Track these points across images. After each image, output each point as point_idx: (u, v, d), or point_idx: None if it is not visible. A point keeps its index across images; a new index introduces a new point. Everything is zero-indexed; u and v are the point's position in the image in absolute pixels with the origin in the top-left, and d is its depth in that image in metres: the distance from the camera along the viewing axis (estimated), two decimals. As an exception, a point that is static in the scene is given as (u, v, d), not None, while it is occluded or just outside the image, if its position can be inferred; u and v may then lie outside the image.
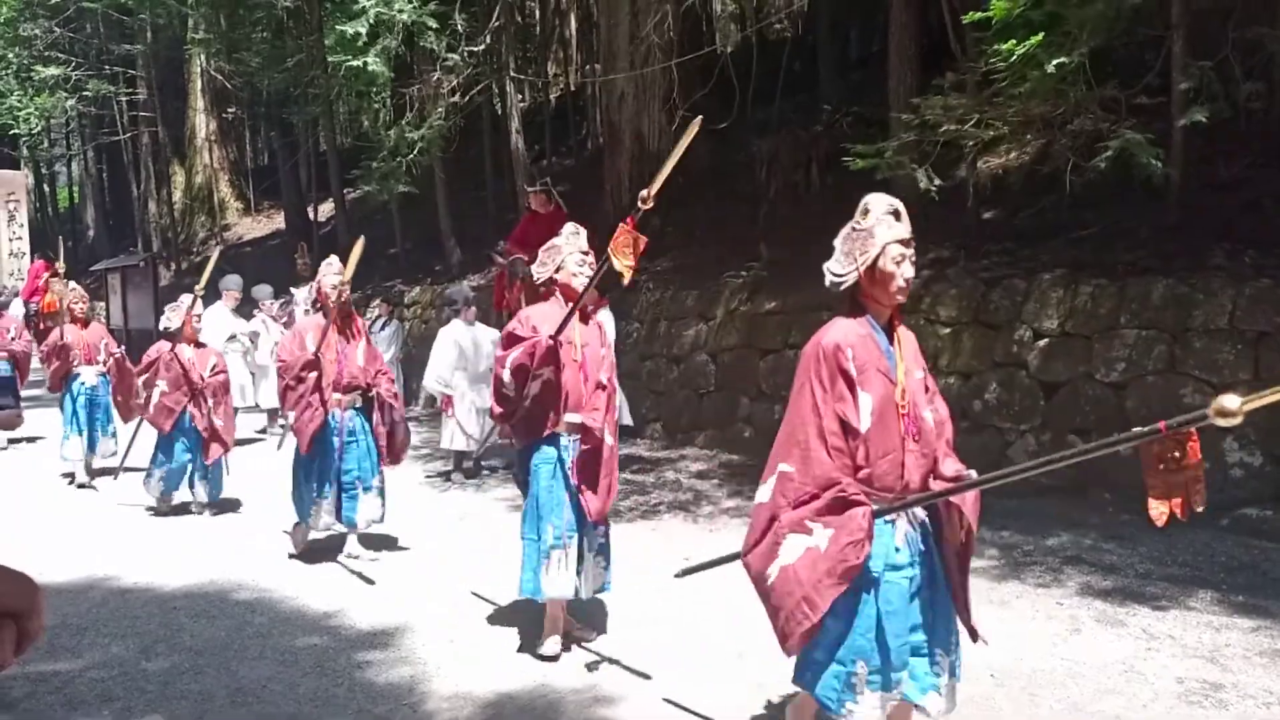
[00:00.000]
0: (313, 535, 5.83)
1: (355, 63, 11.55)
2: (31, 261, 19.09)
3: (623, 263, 3.86)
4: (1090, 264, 6.66)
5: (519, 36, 17.30)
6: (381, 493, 5.69)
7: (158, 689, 3.96)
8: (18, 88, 20.85)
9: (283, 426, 7.10)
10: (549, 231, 8.49)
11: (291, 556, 5.82)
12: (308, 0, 15.00)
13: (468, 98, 12.74)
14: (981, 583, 5.02)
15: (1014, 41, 6.09)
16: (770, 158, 10.59)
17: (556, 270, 4.18)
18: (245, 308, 10.58)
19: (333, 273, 5.62)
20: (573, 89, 18.83)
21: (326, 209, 19.53)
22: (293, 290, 10.83)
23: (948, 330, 7.23)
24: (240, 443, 9.16)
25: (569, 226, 4.33)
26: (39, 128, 23.56)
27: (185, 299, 7.16)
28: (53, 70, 20.42)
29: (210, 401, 6.81)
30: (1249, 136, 7.02)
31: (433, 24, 11.71)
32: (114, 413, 8.16)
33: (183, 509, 7.12)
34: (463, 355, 7.77)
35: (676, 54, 10.76)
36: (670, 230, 11.41)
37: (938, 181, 7.42)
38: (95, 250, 26.97)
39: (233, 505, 7.21)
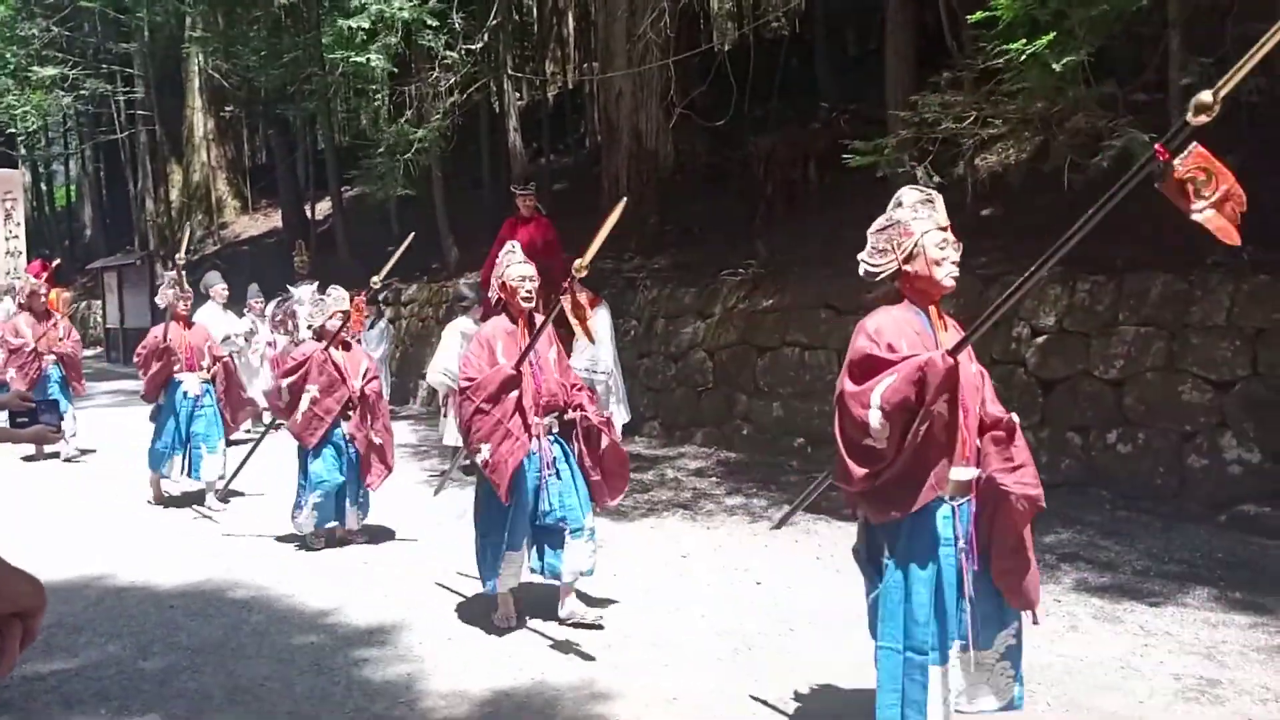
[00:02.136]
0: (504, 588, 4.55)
1: (358, 59, 11.53)
2: (28, 261, 19.05)
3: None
4: (1088, 261, 6.65)
5: (517, 35, 17.30)
6: (592, 534, 4.44)
7: (154, 688, 3.95)
8: (15, 86, 20.79)
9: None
10: (532, 237, 8.52)
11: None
12: (305, -2, 14.99)
13: (466, 96, 12.73)
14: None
15: (1024, 41, 6.08)
16: (768, 155, 10.59)
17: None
18: (234, 306, 10.48)
19: (517, 261, 4.44)
20: (570, 87, 18.83)
21: (324, 207, 19.52)
22: (290, 288, 10.79)
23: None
24: (233, 443, 9.17)
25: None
26: (36, 126, 23.53)
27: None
28: (50, 69, 20.37)
29: (369, 417, 5.87)
30: (1246, 132, 7.01)
31: (431, 22, 11.70)
32: (221, 427, 7.22)
33: (182, 500, 7.12)
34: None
35: (674, 52, 10.75)
36: (668, 228, 11.41)
37: (936, 179, 7.41)
38: (92, 249, 26.95)
39: (227, 503, 7.20)
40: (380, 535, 6.18)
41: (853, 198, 9.32)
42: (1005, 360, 6.82)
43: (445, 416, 7.82)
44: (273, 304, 10.31)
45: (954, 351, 2.61)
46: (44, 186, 31.83)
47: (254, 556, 5.81)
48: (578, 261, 4.09)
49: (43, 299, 9.22)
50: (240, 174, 25.38)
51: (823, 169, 10.15)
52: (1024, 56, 6.13)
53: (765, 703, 3.68)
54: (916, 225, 2.83)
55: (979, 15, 6.33)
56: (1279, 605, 4.48)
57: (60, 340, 9.17)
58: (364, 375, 5.91)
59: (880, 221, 2.92)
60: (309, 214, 19.57)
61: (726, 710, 3.64)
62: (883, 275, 2.89)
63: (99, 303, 22.34)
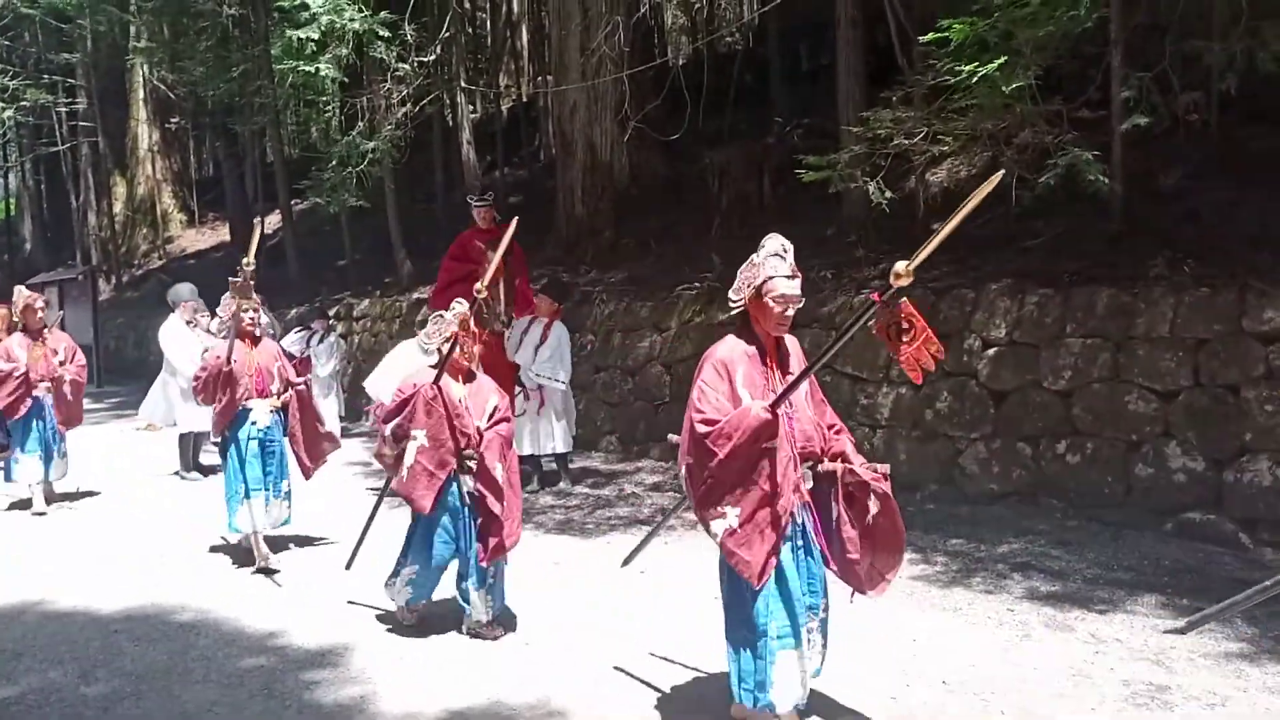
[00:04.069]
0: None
1: (307, 68, 11.39)
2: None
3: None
4: (1037, 274, 6.78)
5: (470, 47, 17.25)
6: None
7: (97, 715, 3.83)
8: (-47, 98, 20.25)
9: (381, 491, 5.11)
10: (487, 248, 8.45)
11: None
12: (253, 9, 14.80)
13: (418, 108, 12.64)
14: (932, 589, 5.07)
15: (975, 64, 6.19)
16: (722, 169, 10.65)
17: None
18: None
19: (784, 274, 3.27)
20: (524, 100, 18.79)
21: (273, 221, 19.24)
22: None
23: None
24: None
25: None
26: (-26, 138, 22.94)
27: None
28: (-11, 79, 19.89)
29: (497, 467, 4.47)
30: (1187, 148, 7.21)
31: (383, 33, 11.62)
32: (289, 466, 6.04)
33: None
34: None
35: (628, 65, 10.77)
36: (624, 242, 11.41)
37: (888, 194, 7.52)
38: (32, 263, 26.23)
39: (169, 522, 7.03)
40: (326, 555, 6.06)
41: (807, 211, 9.41)
42: (958, 372, 6.90)
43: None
44: (214, 321, 10.03)
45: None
46: (-18, 199, 30.99)
47: (198, 577, 5.67)
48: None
49: (38, 315, 7.79)
50: (186, 187, 24.92)
51: (777, 182, 10.23)
52: (976, 79, 6.25)
53: (712, 716, 3.66)
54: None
55: (931, 36, 6.43)
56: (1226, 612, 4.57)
57: (62, 364, 7.77)
58: (490, 414, 4.59)
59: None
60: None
61: (685, 726, 3.62)
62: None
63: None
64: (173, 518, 7.25)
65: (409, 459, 4.44)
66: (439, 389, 4.47)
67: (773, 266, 3.24)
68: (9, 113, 20.64)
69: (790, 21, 12.98)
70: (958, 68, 6.32)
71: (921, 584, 5.14)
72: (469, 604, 4.53)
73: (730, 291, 3.33)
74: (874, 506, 3.28)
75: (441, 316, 4.57)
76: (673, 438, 4.09)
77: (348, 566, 5.24)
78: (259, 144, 20.04)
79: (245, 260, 5.81)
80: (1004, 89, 6.18)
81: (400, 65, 12.15)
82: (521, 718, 3.72)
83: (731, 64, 13.34)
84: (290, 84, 12.59)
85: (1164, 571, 5.17)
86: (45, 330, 7.86)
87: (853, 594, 3.42)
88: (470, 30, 17.53)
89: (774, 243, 3.28)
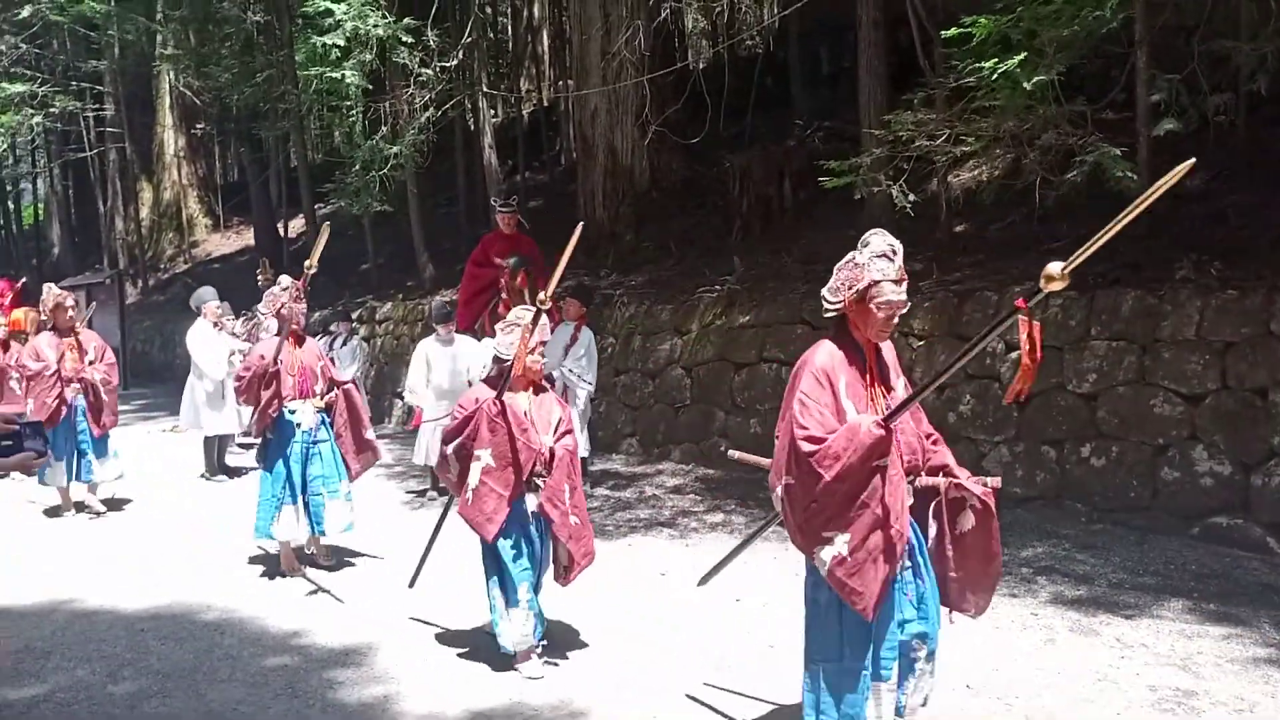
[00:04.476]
0: None
1: (332, 74, 11.49)
2: (-6, 280, 18.79)
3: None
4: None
5: (492, 52, 17.32)
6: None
7: (124, 713, 3.88)
8: (-17, 105, 20.54)
9: (444, 510, 4.87)
10: (508, 253, 8.49)
11: (279, 575, 5.67)
12: (278, 15, 14.93)
13: (441, 112, 12.71)
14: (957, 594, 5.04)
15: (996, 60, 6.16)
16: (743, 172, 10.63)
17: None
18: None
19: (893, 277, 2.96)
20: (546, 104, 18.87)
21: (297, 225, 19.40)
22: (259, 311, 10.64)
23: (921, 343, 7.27)
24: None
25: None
26: (4, 145, 23.25)
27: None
28: (19, 86, 20.14)
29: (565, 487, 4.21)
30: (1214, 148, 7.14)
31: (406, 39, 11.70)
32: (344, 469, 5.80)
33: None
34: (429, 369, 7.71)
35: (649, 69, 10.80)
36: (645, 245, 11.43)
37: (911, 196, 7.49)
38: (60, 267, 26.55)
39: (194, 524, 7.10)
40: (350, 555, 6.10)
41: (828, 214, 9.39)
42: (980, 375, 6.86)
43: (421, 434, 7.75)
44: (239, 322, 10.14)
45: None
46: (11, 205, 31.39)
47: (223, 577, 5.72)
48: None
49: (69, 314, 7.58)
50: (212, 192, 25.16)
51: (798, 185, 10.21)
52: (996, 75, 6.21)
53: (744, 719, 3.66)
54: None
55: (953, 31, 6.41)
56: (1252, 616, 4.52)
57: (92, 364, 7.51)
58: (556, 428, 4.31)
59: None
60: (282, 232, 19.44)
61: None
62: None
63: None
64: (197, 519, 7.32)
65: (473, 480, 4.12)
66: (503, 404, 4.15)
67: (880, 269, 2.91)
68: (38, 119, 20.92)
69: (811, 24, 12.97)
70: (979, 64, 6.28)
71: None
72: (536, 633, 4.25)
73: (825, 292, 3.04)
74: (967, 521, 3.03)
75: (515, 326, 4.25)
76: (734, 454, 3.96)
77: (411, 584, 4.93)
78: (283, 149, 20.21)
79: (307, 262, 5.57)
80: (1026, 85, 6.13)
81: (423, 70, 12.23)
82: (543, 717, 3.73)
83: (752, 67, 13.32)
84: (314, 90, 12.69)
85: (1190, 576, 5.11)
86: (76, 329, 7.65)
87: (950, 614, 3.16)
88: (492, 35, 17.60)
89: (880, 241, 2.95)
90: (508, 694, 3.95)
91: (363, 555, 6.12)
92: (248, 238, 22.06)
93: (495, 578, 4.22)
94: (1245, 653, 4.13)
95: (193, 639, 4.71)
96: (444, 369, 7.70)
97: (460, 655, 4.40)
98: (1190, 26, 6.62)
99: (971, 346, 2.76)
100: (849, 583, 2.79)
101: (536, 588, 4.30)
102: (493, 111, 15.77)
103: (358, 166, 12.36)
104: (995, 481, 3.03)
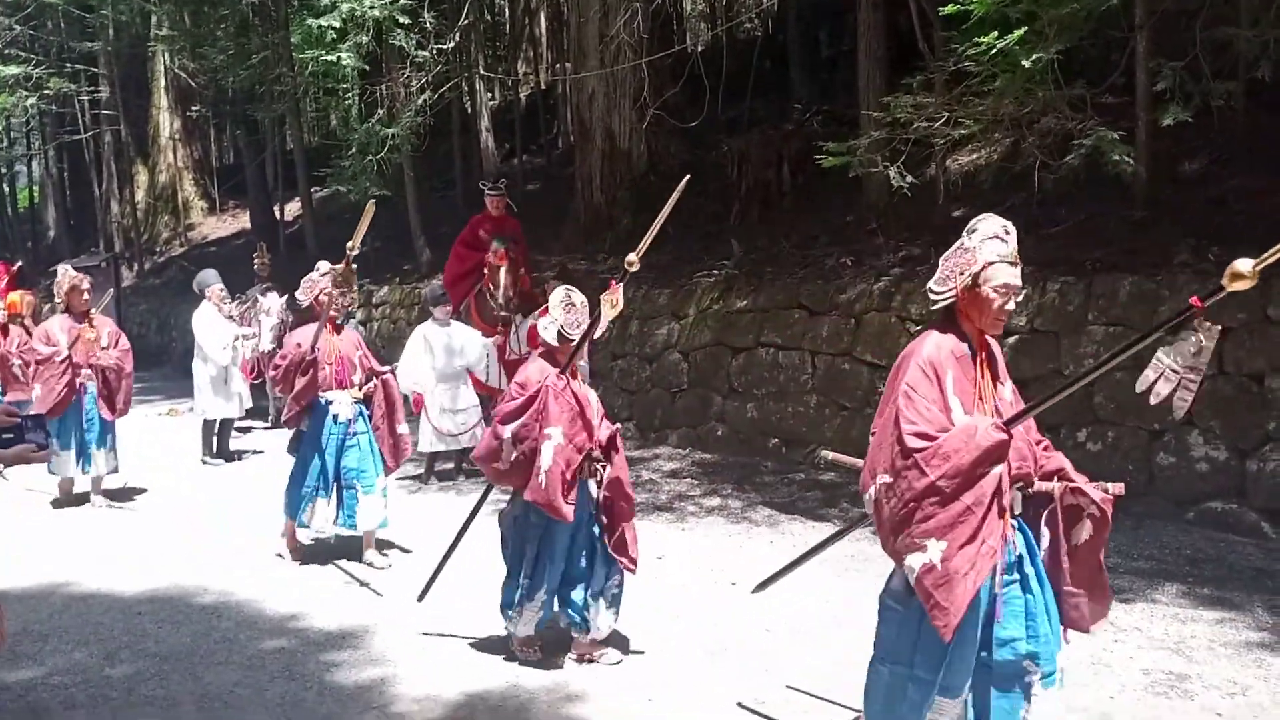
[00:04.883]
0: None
1: (328, 57, 11.42)
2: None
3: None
4: (1058, 261, 6.72)
5: (488, 34, 17.22)
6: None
7: (122, 696, 3.88)
8: (-23, 87, 20.42)
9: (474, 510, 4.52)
10: (479, 235, 8.47)
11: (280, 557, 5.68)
12: (273, -3, 14.83)
13: (438, 95, 12.65)
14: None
15: (995, 34, 6.13)
16: (741, 156, 10.60)
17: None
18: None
19: (1008, 259, 2.83)
20: (543, 87, 18.76)
21: (293, 208, 19.33)
22: (259, 295, 10.60)
23: (919, 327, 7.26)
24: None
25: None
26: (-1, 127, 23.17)
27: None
28: (13, 68, 20.02)
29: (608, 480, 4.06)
30: (1213, 133, 7.12)
31: (403, 20, 11.62)
32: (380, 463, 5.66)
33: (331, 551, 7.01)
34: (431, 353, 7.71)
35: (646, 52, 10.73)
36: (642, 230, 11.39)
37: (909, 178, 7.46)
38: (56, 250, 26.46)
39: (191, 507, 7.11)
40: (350, 541, 6.11)
41: (827, 198, 9.37)
42: (977, 360, 6.86)
43: (423, 419, 7.75)
44: (233, 305, 10.08)
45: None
46: (6, 188, 31.25)
47: (220, 560, 5.72)
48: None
49: (84, 296, 7.20)
50: (207, 174, 25.05)
51: (796, 169, 10.17)
52: (994, 52, 6.18)
53: (742, 704, 3.67)
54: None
55: (952, 8, 6.37)
56: (1246, 601, 4.54)
57: (104, 349, 7.17)
58: (601, 418, 4.14)
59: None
60: (278, 215, 19.37)
61: (702, 712, 3.63)
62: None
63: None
64: (194, 503, 7.33)
65: (546, 461, 3.87)
66: (569, 380, 4.00)
67: (993, 250, 2.76)
68: (32, 101, 20.82)
69: (810, 7, 12.90)
70: (978, 40, 6.25)
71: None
72: (588, 621, 4.07)
73: (931, 284, 2.85)
74: (1083, 531, 2.79)
75: (573, 304, 4.12)
76: (828, 454, 3.66)
77: (420, 598, 4.60)
78: (279, 132, 20.12)
79: (349, 244, 5.30)
80: (1025, 64, 6.10)
81: (419, 53, 12.16)
82: (539, 701, 3.74)
83: (751, 50, 13.26)
84: (310, 72, 12.62)
85: (1184, 561, 5.13)
86: (90, 313, 7.27)
87: (1066, 632, 2.89)
88: (489, 17, 17.49)
89: (991, 224, 2.80)
90: (504, 677, 3.96)
91: (359, 539, 6.12)
92: (243, 221, 21.98)
93: (537, 564, 4.06)
94: (1239, 637, 4.15)
95: (190, 622, 4.72)
96: (443, 352, 7.70)
97: (457, 639, 4.42)
98: (1192, 11, 6.58)
99: (1133, 344, 2.60)
100: (935, 595, 2.56)
101: (588, 578, 4.10)
102: (490, 94, 15.71)
103: (354, 150, 12.30)
104: (1117, 488, 2.82)
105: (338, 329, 5.62)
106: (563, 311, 4.11)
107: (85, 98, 22.49)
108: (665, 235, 11.12)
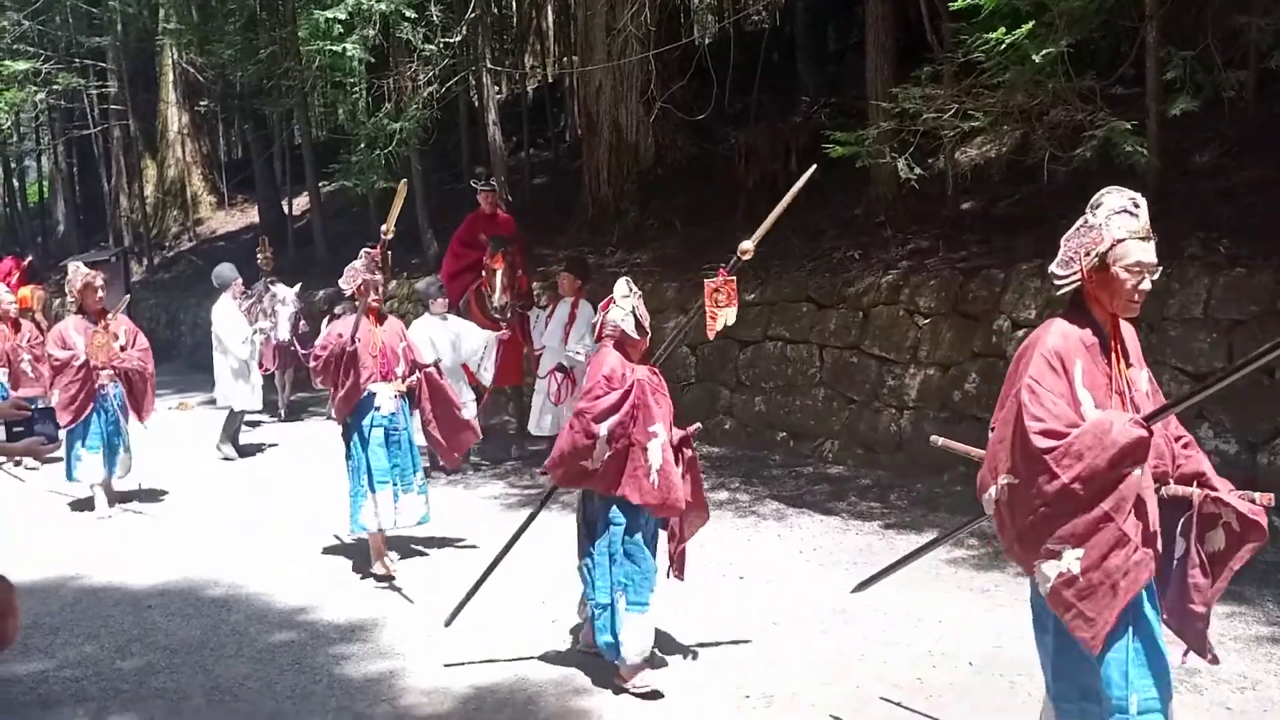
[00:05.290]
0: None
1: (334, 49, 11.41)
2: (0, 259, 18.80)
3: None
4: (1066, 254, 6.68)
5: (495, 28, 17.18)
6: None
7: (133, 688, 3.91)
8: (-13, 83, 20.48)
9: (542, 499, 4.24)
10: (477, 233, 8.45)
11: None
12: (281, -9, 14.84)
13: (445, 89, 12.64)
14: (960, 571, 5.05)
15: (1004, 30, 6.09)
16: (749, 149, 10.57)
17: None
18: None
19: (1140, 234, 2.58)
20: (550, 81, 18.74)
21: (301, 203, 19.35)
22: (270, 286, 10.61)
23: (927, 320, 7.24)
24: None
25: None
26: (8, 122, 23.20)
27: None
28: (22, 64, 20.06)
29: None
30: (1224, 124, 7.07)
31: (409, 14, 11.61)
32: (418, 460, 5.46)
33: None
34: (435, 349, 7.70)
35: (654, 45, 10.71)
36: (650, 222, 11.38)
37: (918, 170, 7.43)
38: (65, 245, 26.56)
39: (199, 501, 7.13)
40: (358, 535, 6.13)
41: (834, 192, 9.33)
42: (986, 353, 6.84)
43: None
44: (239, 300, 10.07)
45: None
46: (15, 183, 31.36)
47: (230, 553, 5.75)
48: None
49: (99, 294, 6.92)
50: (216, 169, 25.09)
51: (804, 162, 10.09)
52: (1004, 46, 6.14)
53: (748, 697, 3.67)
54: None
55: (962, 3, 6.33)
56: (1257, 595, 4.52)
57: (123, 351, 6.91)
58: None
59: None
60: (286, 210, 19.40)
61: (710, 705, 3.63)
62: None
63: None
64: (204, 496, 7.36)
65: (656, 460, 3.66)
66: (656, 373, 3.84)
67: (1121, 226, 2.51)
68: (41, 96, 20.88)
69: (817, 0, 12.85)
70: (987, 35, 6.21)
71: (950, 566, 5.12)
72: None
73: (1054, 267, 2.63)
74: (1217, 540, 2.57)
75: (639, 294, 3.97)
76: (941, 441, 3.38)
77: (447, 623, 4.19)
78: (287, 126, 20.14)
79: (384, 227, 5.14)
80: (1035, 58, 6.06)
81: (426, 46, 12.13)
82: (546, 694, 3.75)
83: (758, 43, 13.20)
84: (317, 65, 12.62)
85: (1195, 554, 5.10)
86: (109, 314, 6.99)
87: (1186, 654, 2.66)
88: (496, 10, 17.45)
89: (1118, 198, 2.56)
90: (511, 670, 3.97)
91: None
92: (252, 215, 22.02)
93: (621, 577, 3.73)
94: (1249, 631, 4.13)
95: (200, 615, 4.74)
96: (448, 347, 7.70)
97: (465, 631, 4.42)
98: (1202, 1, 6.54)
99: None
100: (1078, 605, 2.36)
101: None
102: (497, 88, 15.67)
103: (361, 144, 12.31)
104: (1266, 498, 2.59)
105: (380, 319, 5.40)
106: (637, 301, 3.97)
107: (94, 92, 22.53)
108: (672, 229, 11.19)
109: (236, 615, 4.72)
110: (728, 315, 3.71)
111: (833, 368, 7.80)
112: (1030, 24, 6.03)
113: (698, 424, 4.04)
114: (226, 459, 8.90)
